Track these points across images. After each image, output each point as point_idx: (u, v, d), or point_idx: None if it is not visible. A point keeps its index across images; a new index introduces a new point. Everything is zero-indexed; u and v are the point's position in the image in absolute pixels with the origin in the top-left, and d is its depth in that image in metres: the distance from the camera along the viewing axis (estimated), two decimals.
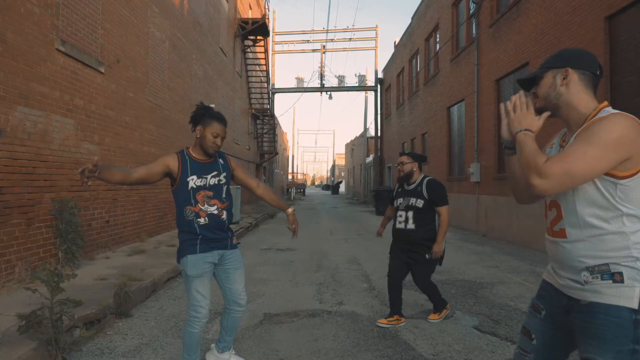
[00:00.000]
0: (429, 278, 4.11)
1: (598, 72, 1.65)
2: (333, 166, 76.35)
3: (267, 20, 18.86)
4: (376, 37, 27.33)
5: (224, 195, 2.87)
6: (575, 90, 1.61)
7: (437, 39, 16.14)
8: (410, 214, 4.04)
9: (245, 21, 18.03)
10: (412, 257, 4.02)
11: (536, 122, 1.63)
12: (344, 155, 66.26)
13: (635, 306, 1.43)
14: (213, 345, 3.18)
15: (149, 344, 3.53)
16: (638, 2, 6.23)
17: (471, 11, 12.68)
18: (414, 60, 19.80)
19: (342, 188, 60.76)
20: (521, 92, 1.70)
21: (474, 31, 12.39)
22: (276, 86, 27.81)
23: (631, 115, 1.47)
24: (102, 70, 6.59)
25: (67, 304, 3.16)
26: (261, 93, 22.40)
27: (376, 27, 27.43)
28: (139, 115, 8.00)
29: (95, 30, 6.41)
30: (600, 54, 6.92)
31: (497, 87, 10.94)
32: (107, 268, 5.70)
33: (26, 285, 4.39)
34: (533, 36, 9.05)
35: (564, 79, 1.61)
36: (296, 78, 28.58)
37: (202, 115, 2.86)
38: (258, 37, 19.56)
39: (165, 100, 9.32)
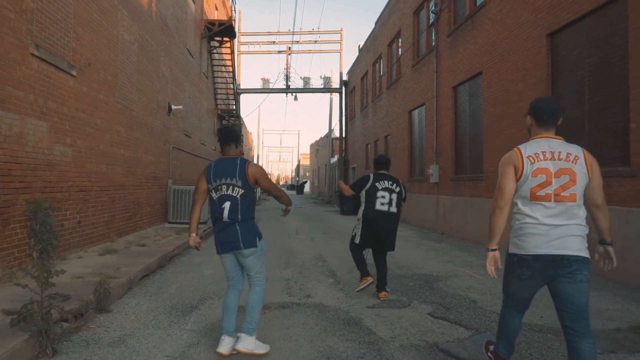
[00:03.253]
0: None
1: (545, 117, 2.66)
2: (298, 166, 76.68)
3: (233, 22, 18.99)
4: (341, 40, 27.89)
5: None
6: (532, 128, 2.76)
7: (400, 45, 16.80)
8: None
9: (211, 23, 18.11)
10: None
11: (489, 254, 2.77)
12: (308, 156, 66.74)
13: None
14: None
15: (132, 335, 3.81)
16: (574, 23, 6.94)
17: (431, 21, 13.36)
18: (378, 64, 20.45)
19: (307, 188, 61.19)
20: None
21: (433, 39, 13.07)
22: (242, 87, 27.88)
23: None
24: (74, 74, 6.71)
25: (57, 298, 3.40)
26: (227, 94, 22.49)
27: (341, 30, 27.99)
28: (109, 117, 8.11)
29: (67, 34, 6.53)
30: (543, 67, 7.62)
31: (454, 94, 11.63)
32: (82, 267, 5.87)
33: (2, 284, 4.54)
34: (486, 47, 9.74)
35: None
36: (262, 79, 28.73)
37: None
38: (224, 39, 19.68)
39: (134, 102, 9.43)
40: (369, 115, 21.49)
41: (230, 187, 3.35)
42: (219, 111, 21.56)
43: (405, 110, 15.47)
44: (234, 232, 3.32)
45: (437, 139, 12.51)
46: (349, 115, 27.18)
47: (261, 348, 3.41)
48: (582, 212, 2.56)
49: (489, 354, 3.07)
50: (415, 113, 14.84)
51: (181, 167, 13.86)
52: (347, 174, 26.76)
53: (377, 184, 5.01)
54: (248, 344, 3.35)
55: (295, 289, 5.50)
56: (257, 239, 3.41)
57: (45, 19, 5.95)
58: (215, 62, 20.41)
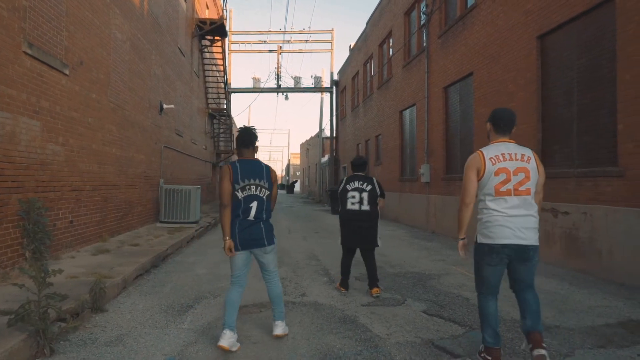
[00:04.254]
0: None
1: (502, 124, 3.20)
2: (288, 165, 76.60)
3: (224, 21, 18.95)
4: (332, 39, 27.97)
5: None
6: (491, 133, 3.31)
7: (391, 45, 16.90)
8: None
9: (203, 21, 18.06)
10: None
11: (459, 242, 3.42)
12: (299, 155, 66.69)
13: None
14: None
15: (129, 334, 3.81)
16: (564, 25, 7.07)
17: (422, 22, 13.47)
18: (369, 64, 20.55)
19: (297, 187, 61.17)
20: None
21: (424, 40, 13.18)
22: (233, 86, 27.81)
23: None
24: (67, 72, 6.67)
25: (54, 298, 3.40)
26: (218, 93, 22.44)
27: (332, 30, 28.06)
28: (101, 116, 8.07)
29: (60, 32, 6.48)
30: (533, 68, 7.75)
31: (445, 94, 11.74)
32: (75, 267, 5.84)
33: None
34: (477, 48, 9.86)
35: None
36: (253, 78, 28.67)
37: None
38: (215, 38, 19.62)
39: (126, 101, 9.38)
40: (360, 115, 21.58)
41: (259, 188, 3.57)
42: (210, 110, 21.49)
43: (397, 110, 15.57)
44: (259, 230, 3.55)
45: (428, 138, 12.63)
46: (340, 114, 27.26)
47: (286, 328, 3.83)
48: (534, 204, 3.08)
49: (481, 355, 3.17)
50: (407, 113, 14.95)
51: (173, 166, 13.81)
52: (337, 173, 26.84)
53: (347, 185, 5.28)
54: (284, 328, 3.77)
55: (290, 288, 5.54)
56: (274, 237, 3.69)
57: (38, 17, 5.91)
58: (206, 61, 20.35)
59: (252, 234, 3.52)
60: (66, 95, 6.72)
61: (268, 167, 3.69)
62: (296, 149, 72.09)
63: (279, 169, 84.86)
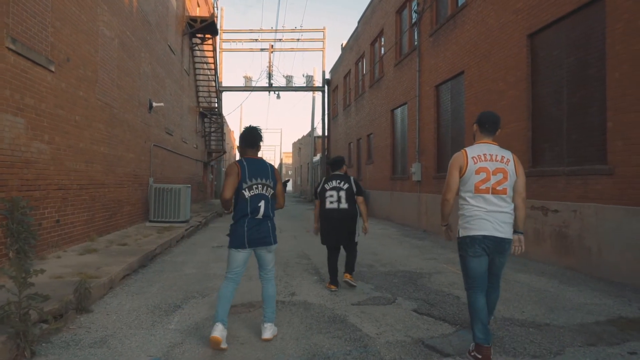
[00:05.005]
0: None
1: (487, 126, 3.43)
2: (280, 164, 76.31)
3: (215, 19, 18.81)
4: (324, 38, 27.87)
5: None
6: (477, 134, 3.52)
7: (382, 44, 16.87)
8: None
9: (193, 19, 17.91)
10: None
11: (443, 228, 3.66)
12: (291, 154, 66.55)
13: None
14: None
15: (114, 335, 3.73)
16: (554, 24, 7.08)
17: (413, 20, 13.45)
18: (360, 63, 20.51)
19: (289, 186, 61.05)
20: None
21: (415, 39, 13.17)
22: (224, 84, 27.62)
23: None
24: (52, 69, 6.54)
25: (36, 299, 3.31)
26: (209, 91, 22.30)
27: (324, 28, 27.96)
28: (88, 114, 7.94)
29: (45, 28, 6.36)
30: (523, 66, 7.75)
31: (436, 93, 11.74)
32: (61, 267, 5.73)
33: None
34: (467, 47, 9.86)
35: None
36: (244, 77, 28.52)
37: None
38: (206, 36, 19.48)
39: (114, 99, 9.25)
40: (352, 114, 21.55)
41: (265, 187, 3.64)
42: (201, 109, 21.35)
43: (388, 109, 15.55)
44: (267, 229, 3.63)
45: (419, 137, 12.62)
46: (332, 113, 27.21)
47: (275, 329, 3.78)
48: (510, 202, 3.33)
49: (471, 354, 3.19)
50: (398, 112, 14.94)
51: (162, 165, 13.68)
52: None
53: (325, 185, 5.46)
54: (274, 330, 3.71)
55: (279, 287, 5.48)
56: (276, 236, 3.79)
57: (22, 11, 5.79)
58: (197, 59, 20.20)
59: (260, 232, 3.59)
60: (52, 93, 6.59)
61: (272, 166, 3.76)
62: (288, 148, 71.99)
63: None
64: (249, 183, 3.58)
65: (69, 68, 7.13)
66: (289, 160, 78.40)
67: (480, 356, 3.09)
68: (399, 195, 14.24)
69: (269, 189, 3.67)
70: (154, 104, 12.35)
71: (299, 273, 6.34)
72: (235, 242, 3.60)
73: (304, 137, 44.04)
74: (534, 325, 3.98)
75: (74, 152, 7.37)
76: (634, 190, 5.53)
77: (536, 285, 5.53)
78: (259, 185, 3.61)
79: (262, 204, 3.60)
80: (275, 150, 79.80)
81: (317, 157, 31.18)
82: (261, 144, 3.83)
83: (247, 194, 3.57)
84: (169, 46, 14.62)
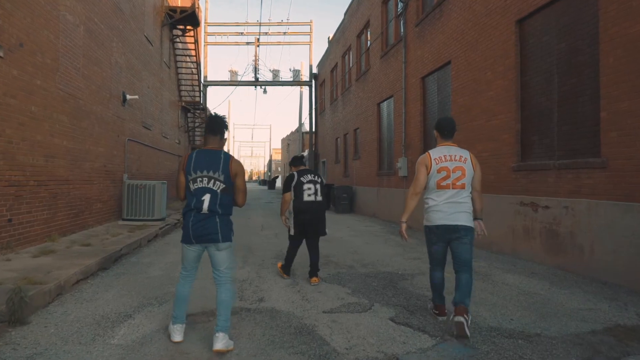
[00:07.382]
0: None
1: (445, 131, 3.94)
2: (270, 161, 75.76)
3: (197, 10, 18.17)
4: (311, 32, 27.32)
5: None
6: (437, 138, 4.03)
7: (369, 37, 16.40)
8: None
9: (173, 9, 17.26)
10: None
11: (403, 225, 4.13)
12: (280, 151, 65.90)
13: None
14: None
15: (42, 354, 3.23)
16: (544, 8, 6.66)
17: (399, 10, 13.00)
18: (347, 56, 20.03)
19: (278, 183, 60.46)
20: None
21: (402, 29, 12.71)
22: (209, 79, 26.97)
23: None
24: (1, 54, 5.98)
25: None
26: (192, 85, 21.63)
27: (311, 22, 27.41)
28: (47, 104, 7.37)
29: None
30: (511, 54, 7.33)
31: (422, 85, 11.30)
32: (6, 271, 5.20)
33: None
34: (454, 36, 9.42)
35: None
36: (230, 71, 27.95)
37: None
38: (187, 27, 18.83)
39: (80, 89, 8.67)
40: (339, 109, 21.07)
41: (212, 181, 3.34)
42: (184, 103, 20.70)
43: (374, 102, 15.11)
44: (213, 225, 3.32)
45: (405, 131, 12.19)
46: (319, 108, 26.70)
47: (231, 343, 3.34)
48: (468, 196, 3.83)
49: (433, 311, 4.05)
50: (384, 105, 14.49)
51: (139, 161, 13.09)
52: (317, 168, 26.30)
53: (301, 178, 5.61)
54: (228, 342, 3.28)
55: (248, 292, 5.02)
56: (232, 234, 3.48)
57: None
58: (178, 52, 19.55)
59: (206, 228, 3.31)
60: (1, 80, 6.03)
61: (228, 159, 3.42)
62: (278, 145, 71.32)
63: (261, 165, 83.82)
64: (193, 175, 3.35)
65: (22, 54, 6.56)
66: (278, 157, 77.70)
67: (437, 311, 4.00)
68: (385, 191, 13.81)
69: (217, 182, 3.35)
70: (128, 97, 11.76)
71: (272, 275, 5.87)
72: (184, 236, 3.40)
73: (292, 133, 43.53)
74: (523, 336, 3.55)
75: (30, 146, 6.81)
76: (628, 185, 5.14)
77: (526, 288, 5.12)
78: (204, 178, 3.34)
79: (206, 197, 3.31)
80: (265, 146, 79.22)
81: (305, 153, 30.67)
82: (226, 132, 3.58)
83: (191, 186, 3.36)
84: (146, 37, 14.00)
